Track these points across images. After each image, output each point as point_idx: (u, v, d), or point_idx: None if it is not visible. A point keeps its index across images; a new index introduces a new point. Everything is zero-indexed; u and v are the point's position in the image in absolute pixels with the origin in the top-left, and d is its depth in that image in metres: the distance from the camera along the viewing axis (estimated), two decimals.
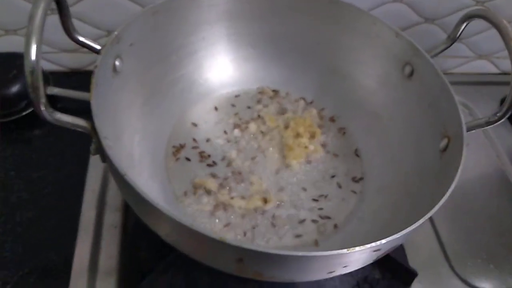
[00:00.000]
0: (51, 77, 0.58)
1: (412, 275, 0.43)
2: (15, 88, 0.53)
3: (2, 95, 0.52)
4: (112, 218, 0.46)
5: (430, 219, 0.51)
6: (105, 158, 0.35)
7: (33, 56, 0.29)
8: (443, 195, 0.34)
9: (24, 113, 0.54)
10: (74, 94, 0.56)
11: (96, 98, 0.35)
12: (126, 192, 0.33)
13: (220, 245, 0.28)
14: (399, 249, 0.46)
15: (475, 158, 0.59)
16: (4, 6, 0.54)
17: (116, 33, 0.40)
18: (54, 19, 0.55)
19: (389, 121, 0.49)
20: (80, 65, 0.62)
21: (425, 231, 0.50)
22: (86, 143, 0.51)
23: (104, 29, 0.58)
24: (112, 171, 0.34)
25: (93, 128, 0.33)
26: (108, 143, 0.33)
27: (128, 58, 0.42)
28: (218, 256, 0.31)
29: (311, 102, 0.54)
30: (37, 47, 0.29)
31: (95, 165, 0.50)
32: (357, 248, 0.29)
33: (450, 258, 0.48)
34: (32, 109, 0.53)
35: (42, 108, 0.30)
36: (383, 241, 0.30)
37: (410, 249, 0.47)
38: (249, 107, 0.53)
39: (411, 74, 0.47)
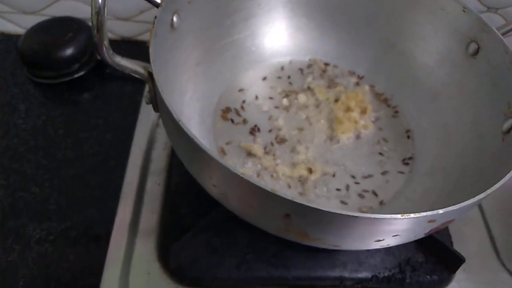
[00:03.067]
0: None
1: (458, 261, 0.41)
2: (69, 51, 0.54)
3: (56, 57, 0.54)
4: (156, 177, 0.47)
5: (481, 210, 0.49)
6: (158, 107, 0.35)
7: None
8: (502, 177, 0.31)
9: (75, 76, 0.56)
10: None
11: (154, 48, 0.35)
12: (178, 139, 0.33)
13: (269, 198, 0.28)
14: (446, 235, 0.44)
15: None
16: None
17: None
18: None
19: (447, 101, 0.47)
20: (131, 33, 0.63)
21: (474, 221, 0.48)
22: (130, 107, 0.53)
23: None
24: (166, 118, 0.34)
25: (150, 75, 0.34)
26: (163, 90, 0.33)
27: (186, 16, 0.42)
28: (266, 210, 0.31)
29: (363, 78, 0.53)
30: None
31: (143, 123, 0.51)
32: (412, 215, 0.27)
33: (499, 251, 0.46)
34: (83, 72, 0.56)
35: (104, 50, 0.31)
36: (441, 211, 0.28)
37: (457, 239, 0.45)
38: (299, 78, 0.52)
39: (476, 52, 0.44)
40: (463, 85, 0.45)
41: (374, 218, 0.27)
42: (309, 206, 0.27)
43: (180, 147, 0.34)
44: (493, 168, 0.37)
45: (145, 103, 0.36)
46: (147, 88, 0.35)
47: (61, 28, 0.56)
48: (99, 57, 0.31)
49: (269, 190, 0.27)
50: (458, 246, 0.44)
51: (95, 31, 0.30)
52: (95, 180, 0.47)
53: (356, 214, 0.27)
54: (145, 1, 0.39)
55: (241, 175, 0.28)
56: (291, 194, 0.42)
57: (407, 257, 0.43)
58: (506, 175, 0.32)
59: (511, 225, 0.48)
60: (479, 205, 0.49)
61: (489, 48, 0.42)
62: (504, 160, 0.35)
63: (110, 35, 0.62)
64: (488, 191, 0.30)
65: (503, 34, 0.43)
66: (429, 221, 0.29)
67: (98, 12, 0.30)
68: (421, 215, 0.28)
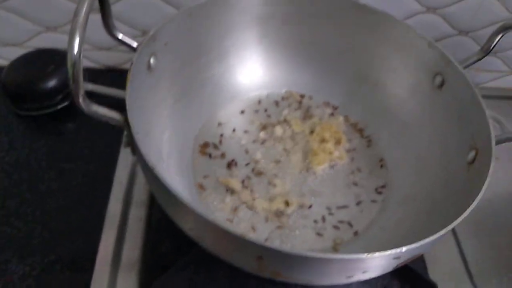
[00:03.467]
0: (87, 74, 0.60)
1: (431, 287, 0.43)
2: (52, 83, 0.55)
3: (39, 89, 0.54)
4: (138, 211, 0.48)
5: (454, 233, 0.50)
6: (135, 151, 0.36)
7: (75, 50, 0.30)
8: (467, 207, 0.33)
9: (59, 107, 0.56)
10: (108, 91, 0.58)
11: (131, 93, 0.36)
12: (154, 185, 0.34)
13: (241, 242, 0.29)
14: (420, 261, 0.46)
15: (506, 174, 0.57)
16: (46, 4, 0.56)
17: (152, 32, 0.41)
18: (93, 17, 0.58)
19: (417, 131, 0.49)
20: (115, 62, 0.65)
21: (448, 245, 0.49)
22: (116, 137, 0.54)
23: (139, 29, 0.60)
24: (141, 164, 0.35)
25: (126, 121, 0.35)
26: (139, 137, 0.34)
27: (163, 57, 0.44)
28: (239, 252, 0.32)
29: (337, 108, 0.55)
30: (79, 41, 0.30)
31: (124, 159, 0.52)
32: (376, 254, 0.29)
33: (472, 274, 0.47)
34: (67, 103, 0.56)
35: (81, 99, 0.32)
36: (404, 248, 0.30)
37: (431, 262, 0.47)
38: (276, 111, 0.54)
39: (442, 84, 0.46)
40: (432, 116, 0.47)
41: (340, 259, 0.29)
42: (278, 250, 0.28)
43: (156, 192, 0.36)
44: (460, 198, 0.38)
45: (123, 146, 0.37)
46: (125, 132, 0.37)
47: (44, 60, 0.57)
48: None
49: (239, 235, 0.28)
50: (432, 270, 0.46)
51: (71, 82, 0.31)
52: (80, 211, 0.48)
53: (323, 256, 0.28)
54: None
55: (213, 221, 0.29)
56: (269, 227, 0.43)
57: (382, 285, 0.44)
58: (468, 207, 0.33)
59: (483, 247, 0.50)
60: (452, 228, 0.50)
61: (453, 81, 0.45)
62: (468, 191, 0.37)
63: (93, 65, 0.64)
64: (449, 227, 0.31)
65: (468, 66, 0.45)
66: (394, 258, 0.31)
67: (74, 65, 0.31)
68: (386, 254, 0.29)
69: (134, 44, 0.41)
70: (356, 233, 0.44)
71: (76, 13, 0.31)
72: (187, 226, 0.34)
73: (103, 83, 0.58)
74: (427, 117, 0.48)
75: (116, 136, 0.54)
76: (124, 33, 0.40)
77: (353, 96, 0.54)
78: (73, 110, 0.57)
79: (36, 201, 0.48)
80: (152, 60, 0.42)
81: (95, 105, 0.34)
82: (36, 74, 0.55)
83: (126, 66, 0.64)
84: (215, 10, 0.48)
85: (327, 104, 0.55)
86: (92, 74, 0.61)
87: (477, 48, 0.63)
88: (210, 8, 0.47)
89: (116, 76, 0.63)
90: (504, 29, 0.41)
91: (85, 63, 0.64)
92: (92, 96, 0.56)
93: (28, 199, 0.48)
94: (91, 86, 0.58)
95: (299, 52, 0.54)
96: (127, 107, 0.35)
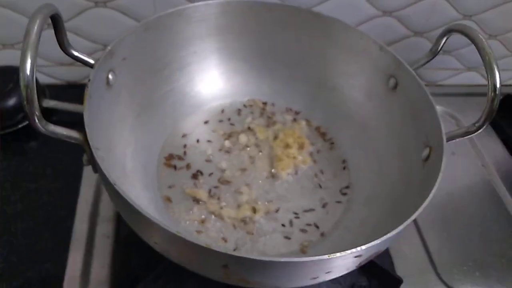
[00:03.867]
0: (47, 90, 0.59)
1: (397, 282, 0.44)
2: (12, 101, 0.54)
3: None
4: (105, 228, 0.47)
5: (417, 227, 0.52)
6: (96, 168, 0.36)
7: (28, 71, 0.30)
8: (423, 202, 0.35)
9: (20, 126, 0.55)
10: (70, 107, 0.57)
11: (89, 110, 0.36)
12: (117, 201, 0.34)
13: (206, 252, 0.29)
14: (386, 257, 0.47)
15: (462, 168, 0.60)
16: (2, 20, 0.55)
17: (109, 48, 0.42)
18: (51, 33, 0.57)
19: (376, 132, 0.50)
20: (76, 78, 0.64)
21: (411, 239, 0.51)
22: (81, 154, 0.53)
23: (100, 43, 0.60)
24: (103, 181, 0.35)
25: (86, 139, 0.35)
26: (100, 154, 0.34)
27: (121, 72, 0.44)
28: (205, 263, 0.32)
29: (299, 114, 0.56)
30: (31, 62, 0.30)
31: (88, 176, 0.51)
32: (338, 254, 0.30)
33: (436, 266, 0.49)
34: (28, 121, 0.55)
35: (36, 120, 0.32)
36: (363, 247, 0.31)
37: (397, 257, 0.48)
38: (239, 119, 0.55)
39: (395, 86, 0.48)
40: (388, 117, 0.49)
41: (303, 261, 0.29)
42: (241, 257, 0.29)
43: (120, 208, 0.35)
44: (418, 195, 0.40)
45: (84, 164, 0.37)
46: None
47: (1, 78, 0.55)
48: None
49: (204, 245, 0.29)
50: (398, 265, 0.48)
51: (25, 103, 0.31)
52: (46, 232, 0.47)
53: (285, 260, 0.29)
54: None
55: (177, 234, 0.29)
56: (238, 235, 0.44)
57: (351, 282, 0.45)
58: (422, 203, 0.35)
59: (445, 239, 0.52)
60: (415, 222, 0.52)
61: (406, 83, 0.47)
62: (425, 188, 0.39)
63: (55, 81, 0.63)
64: (405, 223, 0.33)
65: (418, 67, 0.47)
66: (356, 257, 0.32)
67: (27, 86, 0.31)
68: (347, 253, 0.30)
69: (91, 61, 0.40)
70: (322, 235, 0.45)
71: (27, 33, 0.31)
72: (152, 240, 0.34)
73: (65, 99, 0.57)
74: (384, 118, 0.50)
75: (80, 153, 0.52)
76: (84, 49, 0.40)
77: (313, 101, 0.55)
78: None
79: (2, 224, 0.47)
80: (110, 76, 0.43)
81: (52, 125, 0.33)
82: None
83: (83, 81, 0.64)
84: (171, 22, 0.49)
85: (289, 110, 0.56)
86: (54, 90, 0.60)
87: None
88: (167, 20, 0.48)
89: (78, 92, 0.60)
90: (448, 32, 0.44)
91: (46, 79, 0.63)
92: (54, 113, 0.57)
93: None
94: (52, 103, 0.57)
95: (259, 60, 0.55)
96: (86, 125, 0.35)
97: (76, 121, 0.55)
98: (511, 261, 0.50)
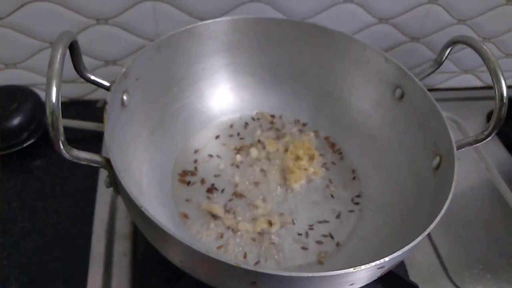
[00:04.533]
0: None
1: None
2: (16, 121, 0.54)
3: (4, 128, 0.53)
4: (122, 247, 0.47)
5: (428, 233, 0.53)
6: (119, 190, 0.37)
7: (54, 98, 0.31)
8: (439, 211, 0.36)
9: (25, 145, 0.56)
10: (74, 124, 0.58)
11: (109, 133, 0.37)
12: (142, 223, 0.35)
13: (235, 270, 0.30)
14: (400, 265, 0.48)
15: (466, 171, 0.61)
16: (4, 40, 0.56)
17: (124, 69, 0.42)
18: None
19: (384, 142, 0.51)
20: (79, 95, 0.65)
21: (423, 245, 0.52)
22: (86, 171, 0.54)
23: (102, 60, 0.61)
24: (128, 203, 0.35)
25: (108, 162, 0.35)
26: (122, 176, 0.35)
27: (134, 92, 0.45)
28: (232, 280, 0.33)
29: (306, 125, 0.57)
30: (57, 90, 0.31)
31: (102, 195, 0.52)
32: (363, 267, 0.31)
33: (448, 270, 0.50)
34: (33, 140, 0.56)
35: (61, 146, 0.32)
36: (386, 258, 0.32)
37: (410, 263, 0.49)
38: (248, 133, 0.56)
39: (402, 96, 0.49)
40: (396, 126, 0.50)
41: (330, 275, 0.30)
42: (272, 274, 0.29)
43: (144, 228, 0.36)
44: (431, 203, 0.41)
45: (105, 187, 0.37)
46: (103, 171, 0.37)
47: (5, 98, 0.56)
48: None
49: (233, 264, 0.29)
50: (412, 271, 0.49)
51: (51, 129, 0.32)
52: (58, 251, 0.47)
53: (314, 275, 0.30)
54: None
55: (207, 253, 0.30)
56: (256, 249, 0.44)
57: None
58: (439, 212, 0.36)
59: (454, 243, 0.53)
60: None
61: (412, 93, 0.48)
62: (437, 196, 0.40)
63: None
64: (425, 233, 0.34)
65: (424, 77, 0.49)
66: (379, 268, 0.33)
67: (53, 112, 0.31)
68: (371, 266, 0.31)
69: (107, 84, 0.41)
70: (338, 245, 0.46)
71: (51, 61, 0.31)
72: (178, 259, 0.34)
73: (68, 116, 0.58)
74: (391, 128, 0.51)
75: (86, 170, 0.53)
76: (87, 65, 0.40)
77: (320, 113, 0.57)
78: (40, 146, 0.57)
79: (10, 244, 0.47)
80: (125, 97, 0.43)
81: (76, 150, 0.34)
82: None
83: (90, 97, 0.65)
84: (182, 40, 0.49)
85: (297, 121, 0.57)
86: None
87: (428, 52, 0.68)
88: (178, 38, 0.49)
89: (80, 108, 0.63)
90: (453, 43, 0.45)
91: None
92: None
93: (1, 243, 0.47)
94: None
95: (266, 74, 0.56)
96: (108, 149, 0.35)
97: (80, 138, 0.56)
98: None
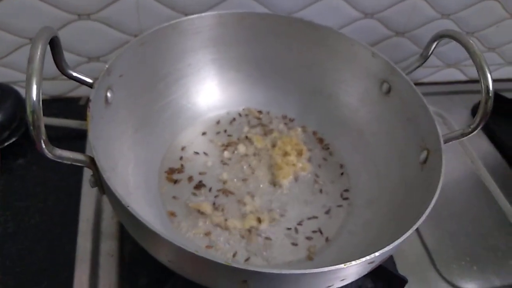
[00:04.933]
0: None
1: (402, 282, 0.45)
2: None
3: None
4: (108, 247, 0.47)
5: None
6: (104, 190, 0.36)
7: (34, 97, 0.30)
8: (427, 205, 0.36)
9: (6, 144, 0.54)
10: (55, 122, 0.56)
11: (93, 132, 0.36)
12: (129, 223, 0.34)
13: (225, 269, 0.30)
14: (389, 258, 0.48)
15: (452, 165, 0.62)
16: None
17: (107, 66, 0.41)
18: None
19: (372, 136, 0.52)
20: (60, 92, 0.63)
21: (410, 238, 0.53)
22: (69, 170, 0.52)
23: (85, 56, 0.59)
24: (114, 203, 0.35)
25: (93, 162, 0.34)
26: (107, 175, 0.34)
27: (118, 89, 0.44)
28: (223, 279, 0.32)
29: (294, 121, 0.57)
30: (37, 88, 0.30)
31: (87, 194, 0.51)
32: (353, 262, 0.31)
33: (436, 263, 0.51)
34: (14, 139, 0.54)
35: (43, 146, 0.31)
36: (377, 253, 0.32)
37: (398, 256, 0.50)
38: (236, 129, 0.55)
39: (389, 91, 0.49)
40: (383, 121, 0.50)
41: (321, 272, 0.30)
42: (263, 272, 0.29)
43: (131, 228, 0.35)
44: (419, 197, 0.41)
45: (90, 186, 0.36)
46: (88, 170, 0.36)
47: None
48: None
49: (223, 263, 0.29)
50: (400, 265, 0.49)
51: (32, 128, 0.31)
52: (42, 251, 0.46)
53: (305, 271, 0.30)
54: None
55: (196, 253, 0.29)
56: (245, 246, 0.44)
57: (357, 285, 0.46)
58: (427, 206, 0.36)
59: (441, 235, 0.53)
60: None
61: (399, 87, 0.48)
62: (425, 190, 0.40)
63: None
64: (414, 227, 0.34)
65: (410, 72, 0.49)
66: (369, 263, 0.33)
67: (33, 111, 0.30)
68: (361, 261, 0.31)
69: (89, 80, 0.40)
70: (327, 240, 0.46)
71: (30, 58, 0.30)
72: (166, 259, 0.34)
73: (50, 114, 0.57)
74: (379, 123, 0.51)
75: (69, 169, 0.50)
76: (69, 61, 0.39)
77: (308, 108, 0.56)
78: (23, 144, 0.55)
79: None
80: (109, 94, 0.42)
81: (58, 150, 0.33)
82: None
83: (72, 94, 0.63)
84: (166, 36, 0.48)
85: (284, 117, 0.57)
86: None
87: (413, 46, 0.68)
88: (161, 34, 0.48)
89: (62, 106, 0.62)
90: (439, 37, 0.45)
91: None
92: None
93: None
94: None
95: (252, 69, 0.56)
96: (93, 148, 0.34)
97: (62, 137, 0.55)
98: (504, 254, 0.52)
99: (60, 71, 0.39)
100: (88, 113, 0.37)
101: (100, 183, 0.36)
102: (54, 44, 0.36)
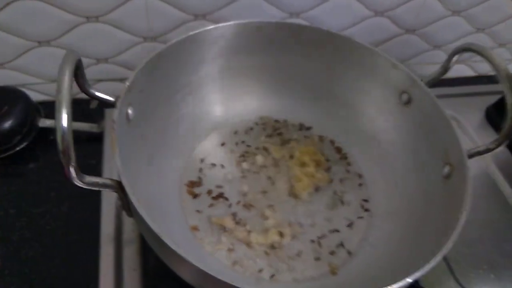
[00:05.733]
0: (41, 108, 0.58)
1: None
2: (7, 124, 0.52)
3: None
4: (131, 262, 0.46)
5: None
6: (132, 213, 0.36)
7: (65, 124, 0.30)
8: (452, 225, 0.36)
9: (17, 148, 0.54)
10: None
11: (121, 156, 0.35)
12: (157, 247, 0.34)
13: None
14: None
15: None
16: None
17: (128, 83, 0.41)
18: (39, 51, 0.56)
19: (390, 146, 0.51)
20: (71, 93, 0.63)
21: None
22: (84, 171, 0.51)
23: (93, 58, 0.59)
24: (142, 227, 0.35)
25: (121, 186, 0.34)
26: (136, 200, 0.34)
27: (139, 105, 0.43)
28: None
29: (311, 129, 0.56)
30: (67, 114, 0.30)
31: (107, 207, 0.50)
32: (394, 286, 0.31)
33: (454, 271, 0.51)
34: (26, 143, 0.54)
35: (72, 172, 0.31)
36: (410, 279, 0.32)
37: None
38: (254, 138, 0.55)
39: (409, 102, 0.49)
40: (402, 131, 0.50)
41: None
42: None
43: (160, 251, 0.35)
44: (441, 211, 0.41)
45: (117, 210, 0.36)
46: (111, 193, 0.35)
47: None
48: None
49: None
50: None
51: (62, 156, 0.30)
52: (59, 257, 0.46)
53: None
54: None
55: (221, 278, 0.29)
56: (269, 261, 0.44)
57: None
58: (453, 228, 0.36)
59: (457, 242, 0.53)
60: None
61: (420, 99, 0.48)
62: (449, 206, 0.40)
63: (48, 98, 0.61)
64: (448, 244, 0.34)
65: (431, 84, 0.48)
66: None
67: (63, 137, 0.30)
68: (403, 283, 0.31)
69: (112, 99, 0.40)
70: (349, 253, 0.46)
71: (59, 85, 0.30)
72: (193, 281, 0.34)
73: None
74: (397, 133, 0.51)
75: (85, 169, 0.50)
76: None
77: (325, 117, 0.56)
78: (35, 149, 0.55)
79: (9, 254, 0.46)
80: (130, 111, 0.42)
81: (87, 176, 0.33)
82: None
83: (80, 96, 0.61)
84: (185, 47, 0.48)
85: (302, 126, 0.57)
86: (47, 107, 0.58)
87: (423, 44, 0.68)
88: (180, 46, 0.47)
89: (72, 107, 0.61)
90: (461, 50, 0.45)
91: (40, 96, 0.61)
92: (51, 132, 0.56)
93: (0, 252, 0.46)
94: (48, 122, 0.56)
95: (269, 78, 0.55)
96: (120, 172, 0.34)
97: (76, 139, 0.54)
98: None
99: (84, 92, 0.38)
100: (113, 135, 0.37)
101: (127, 206, 0.36)
102: (77, 67, 0.35)
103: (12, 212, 0.49)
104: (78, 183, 0.32)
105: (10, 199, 0.50)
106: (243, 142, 0.54)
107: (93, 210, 0.49)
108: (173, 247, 0.31)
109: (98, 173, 0.52)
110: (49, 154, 0.55)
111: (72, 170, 0.31)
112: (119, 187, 0.34)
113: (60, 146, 0.30)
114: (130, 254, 0.47)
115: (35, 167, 0.54)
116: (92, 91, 0.39)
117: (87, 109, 0.61)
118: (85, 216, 0.49)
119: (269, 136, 0.55)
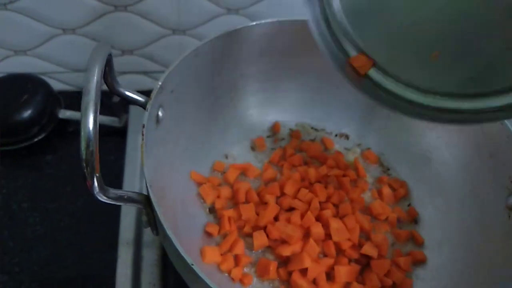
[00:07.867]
0: (61, 98, 0.55)
1: None
2: (26, 114, 0.50)
3: (13, 121, 0.49)
4: (149, 276, 0.43)
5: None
6: (158, 232, 0.32)
7: (91, 128, 0.26)
8: None
9: (36, 139, 0.51)
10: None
11: (148, 166, 0.31)
12: (186, 273, 0.30)
13: None
14: None
15: None
16: (13, 26, 0.52)
17: (160, 83, 0.37)
18: (63, 39, 0.53)
19: (441, 166, 0.46)
20: None
21: None
22: (102, 166, 0.47)
23: (118, 49, 0.56)
24: (170, 249, 0.30)
25: (148, 201, 0.30)
26: (163, 216, 0.29)
27: (169, 106, 0.39)
28: None
29: (350, 138, 0.52)
30: (94, 119, 0.26)
31: (127, 219, 0.45)
32: None
33: None
34: (44, 134, 0.51)
35: (96, 187, 0.27)
36: None
37: None
38: (288, 146, 0.50)
39: None
40: (457, 150, 0.45)
41: None
42: None
43: (185, 275, 0.31)
44: (504, 248, 0.36)
45: (143, 227, 0.32)
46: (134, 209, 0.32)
47: (15, 88, 0.51)
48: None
49: None
50: None
51: (85, 165, 0.27)
52: (72, 257, 0.43)
53: None
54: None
55: None
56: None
57: None
58: None
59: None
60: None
61: None
62: None
63: (68, 87, 0.59)
64: None
65: None
66: None
67: (88, 146, 0.26)
68: None
69: (142, 99, 0.35)
70: None
71: (86, 85, 0.26)
72: None
73: (78, 106, 0.53)
74: (451, 152, 0.46)
75: (102, 164, 0.48)
76: None
77: (367, 127, 0.51)
78: (52, 141, 0.53)
79: (22, 250, 0.43)
80: (160, 113, 0.38)
81: (111, 189, 0.29)
82: (8, 104, 0.50)
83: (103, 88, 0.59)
84: (222, 45, 0.43)
85: (341, 135, 0.52)
86: (67, 98, 0.56)
87: None
88: (218, 43, 0.43)
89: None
90: None
91: (62, 86, 0.59)
92: (70, 123, 0.53)
93: (12, 247, 0.43)
94: (68, 113, 0.54)
95: (309, 81, 0.50)
96: (148, 185, 0.30)
97: None
98: None
99: (110, 90, 0.34)
100: (142, 142, 0.32)
101: (154, 224, 0.32)
102: (107, 63, 0.31)
103: (25, 206, 0.47)
104: (102, 197, 0.28)
105: (24, 192, 0.48)
106: (274, 149, 0.50)
107: (111, 210, 0.44)
108: (206, 280, 0.26)
109: (118, 171, 0.49)
110: (67, 147, 0.53)
111: (95, 182, 0.27)
112: (147, 203, 0.30)
113: (83, 154, 0.26)
114: (149, 268, 0.43)
115: (52, 160, 0.52)
116: (122, 90, 0.35)
117: (108, 101, 0.58)
118: (102, 215, 0.45)
119: (305, 145, 0.50)
